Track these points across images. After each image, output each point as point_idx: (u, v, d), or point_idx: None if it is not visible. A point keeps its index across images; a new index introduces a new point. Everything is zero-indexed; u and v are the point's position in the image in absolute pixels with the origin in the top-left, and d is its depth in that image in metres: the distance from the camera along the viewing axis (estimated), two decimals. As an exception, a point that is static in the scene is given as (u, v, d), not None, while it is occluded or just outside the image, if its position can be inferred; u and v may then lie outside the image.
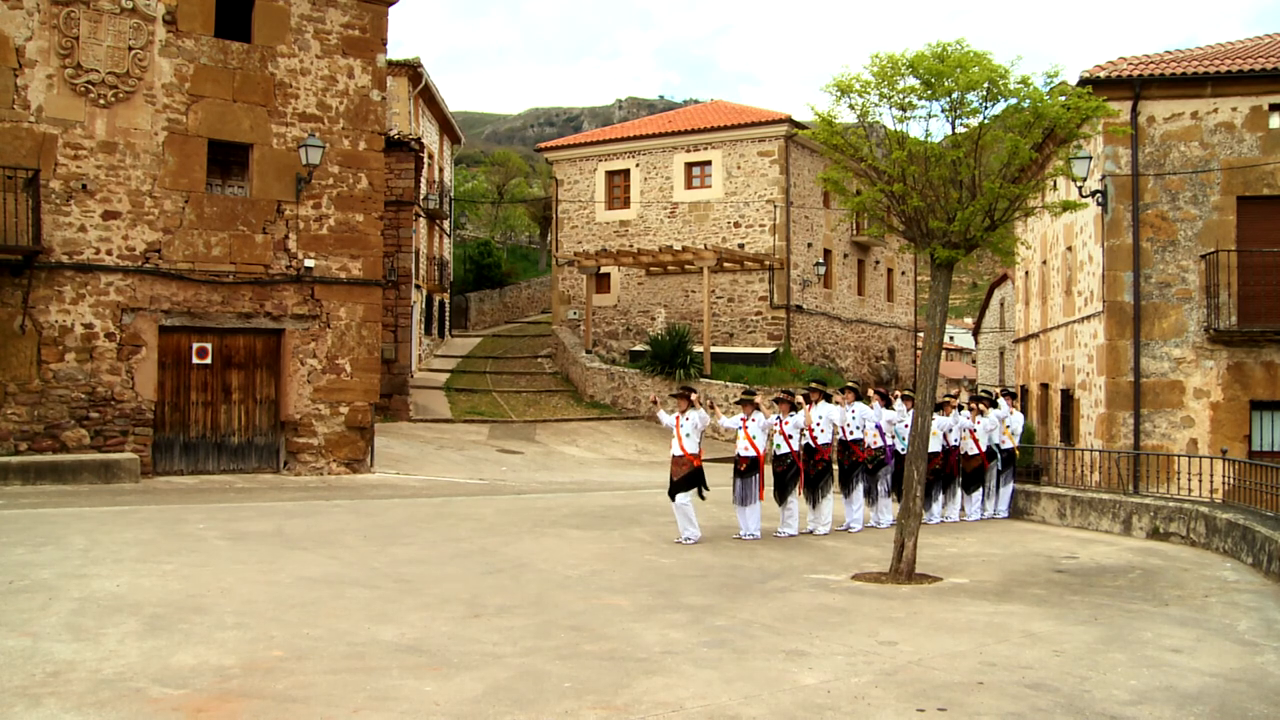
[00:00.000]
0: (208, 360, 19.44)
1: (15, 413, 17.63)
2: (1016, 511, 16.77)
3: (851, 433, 15.02)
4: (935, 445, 15.72)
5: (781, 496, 14.07)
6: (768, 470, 14.03)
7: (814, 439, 14.27)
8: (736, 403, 14.72)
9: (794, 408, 14.19)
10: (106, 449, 18.16)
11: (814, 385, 15.18)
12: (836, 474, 14.99)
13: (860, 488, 15.12)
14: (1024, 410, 27.83)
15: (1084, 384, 21.45)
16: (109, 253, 18.41)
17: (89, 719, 5.80)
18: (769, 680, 6.99)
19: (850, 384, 16.12)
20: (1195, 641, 8.35)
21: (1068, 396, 23.12)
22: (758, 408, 14.04)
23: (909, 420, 15.59)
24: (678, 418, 13.30)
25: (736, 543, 13.38)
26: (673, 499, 13.22)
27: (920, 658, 7.66)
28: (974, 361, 59.13)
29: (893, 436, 15.54)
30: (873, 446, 15.29)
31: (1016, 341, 32.14)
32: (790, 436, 14.07)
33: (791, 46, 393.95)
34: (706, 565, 11.64)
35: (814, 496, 14.38)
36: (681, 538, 13.10)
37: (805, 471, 14.26)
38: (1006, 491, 16.86)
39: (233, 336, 19.70)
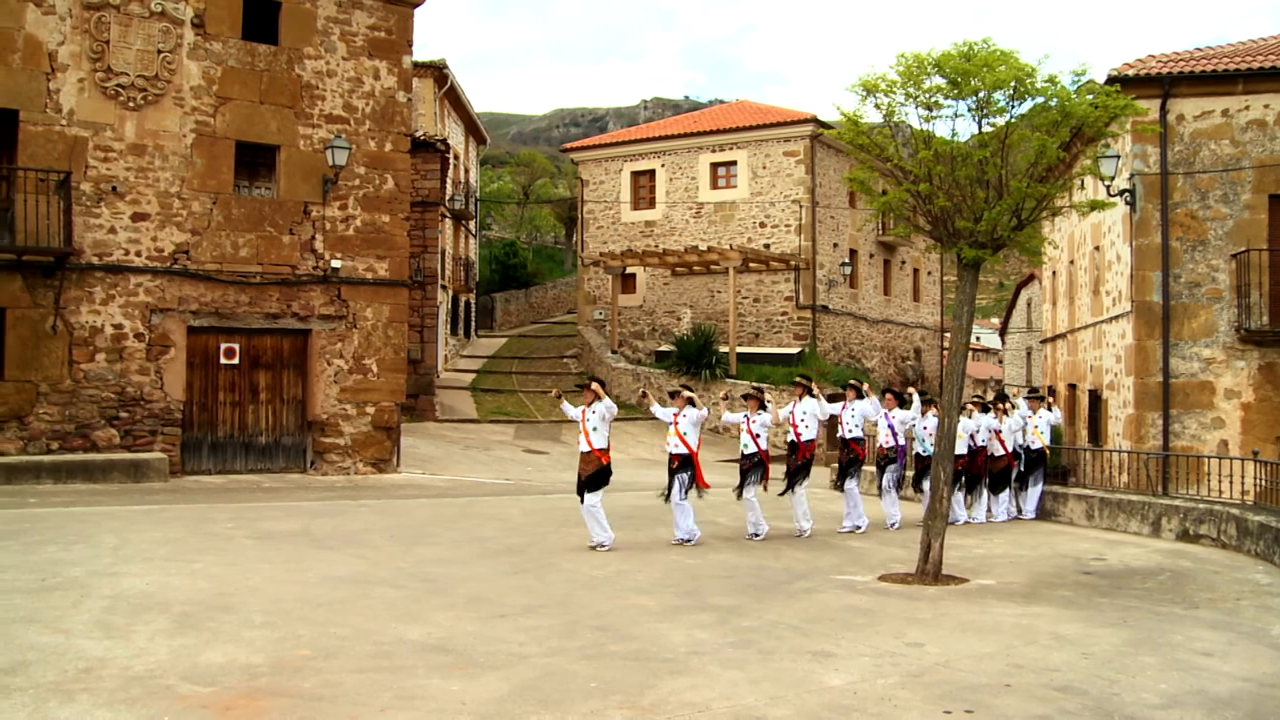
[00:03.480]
0: (235, 360, 19.57)
1: (47, 412, 17.80)
2: (1044, 513, 16.66)
3: (850, 431, 14.84)
4: (960, 447, 15.65)
5: (742, 492, 13.55)
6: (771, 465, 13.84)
7: (798, 435, 14.04)
8: (743, 397, 14.36)
9: (763, 405, 13.70)
10: (136, 448, 18.31)
11: (798, 380, 14.74)
12: (837, 470, 14.90)
13: (891, 485, 15.08)
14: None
15: (1112, 384, 21.29)
16: (138, 254, 18.57)
17: (120, 715, 5.84)
18: (795, 681, 6.97)
19: (851, 381, 15.78)
20: (1227, 645, 8.26)
21: (1095, 397, 22.96)
22: (764, 405, 13.76)
23: (925, 421, 15.55)
24: (584, 410, 12.49)
25: (762, 543, 13.35)
26: (581, 500, 12.42)
27: (947, 659, 7.62)
28: (1001, 362, 58.82)
29: (909, 438, 15.43)
30: (885, 445, 15.22)
31: (1044, 342, 31.95)
32: (758, 435, 13.52)
33: (817, 46, 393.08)
34: (732, 565, 11.62)
35: (793, 492, 13.98)
36: (593, 542, 12.35)
37: (788, 467, 14.04)
38: (1035, 492, 16.74)
39: (260, 337, 19.83)
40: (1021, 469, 16.67)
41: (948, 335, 36.76)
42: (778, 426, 15.13)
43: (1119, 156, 18.47)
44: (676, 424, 13.02)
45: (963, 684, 6.98)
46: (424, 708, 6.17)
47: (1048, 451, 17.07)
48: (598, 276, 38.35)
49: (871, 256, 39.65)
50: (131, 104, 18.54)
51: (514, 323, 51.69)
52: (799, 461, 13.99)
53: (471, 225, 43.40)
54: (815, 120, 34.79)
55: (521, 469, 23.14)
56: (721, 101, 66.49)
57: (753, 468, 13.50)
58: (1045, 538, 14.57)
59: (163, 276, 18.75)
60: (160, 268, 18.73)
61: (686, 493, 12.84)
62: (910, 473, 16.67)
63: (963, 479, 15.58)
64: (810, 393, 14.29)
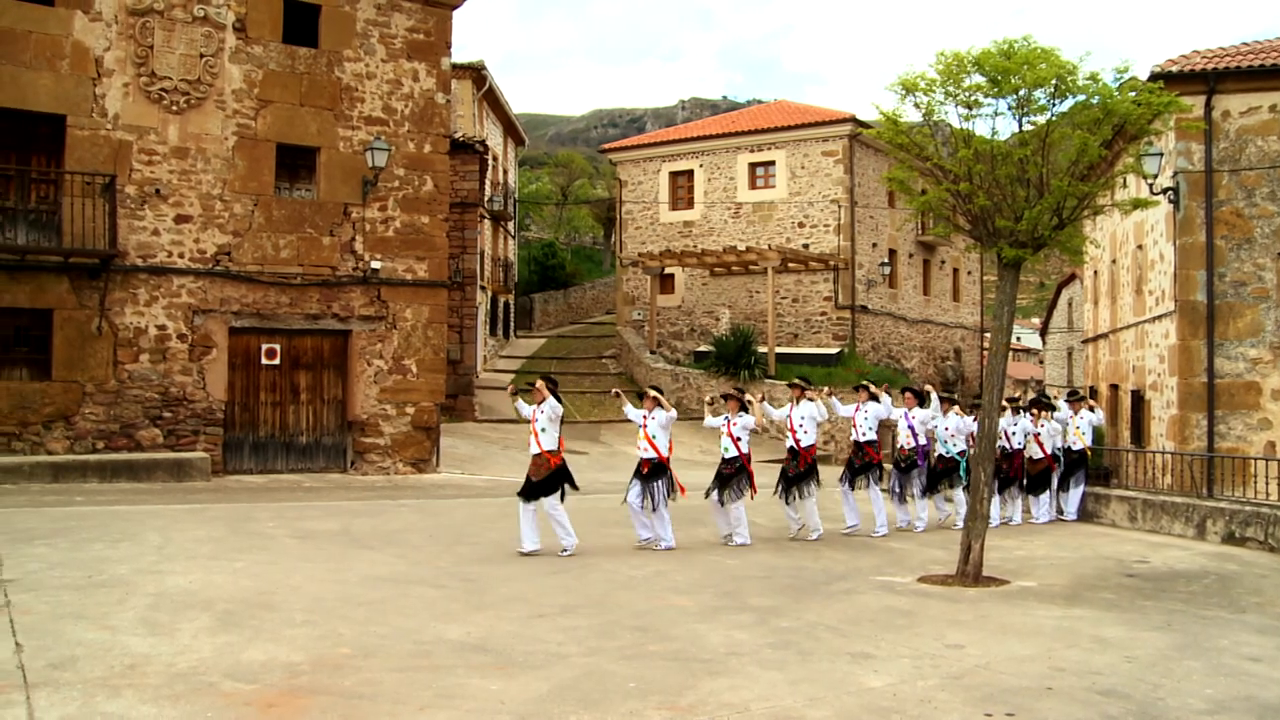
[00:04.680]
0: (276, 361, 19.75)
1: (93, 412, 18.04)
2: (1086, 514, 16.50)
3: (864, 434, 14.36)
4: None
5: (722, 496, 12.91)
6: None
7: (797, 441, 13.52)
8: (722, 397, 13.72)
9: (744, 407, 13.10)
10: (179, 448, 18.52)
11: (795, 383, 14.26)
12: (846, 472, 14.49)
13: (917, 488, 14.91)
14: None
15: (1155, 385, 21.06)
16: (181, 255, 18.78)
17: (164, 711, 5.91)
18: (834, 682, 6.95)
19: (864, 382, 15.23)
20: (1276, 650, 8.15)
21: (1138, 398, 22.71)
22: (745, 407, 13.13)
23: (946, 421, 15.30)
24: (534, 412, 11.83)
25: (801, 544, 13.30)
26: (526, 500, 11.76)
27: (987, 662, 7.57)
28: (1041, 362, 58.28)
29: (930, 438, 15.17)
30: (906, 446, 14.97)
31: (1085, 342, 31.64)
32: (739, 439, 12.93)
33: (855, 46, 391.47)
34: (771, 566, 11.60)
35: (794, 497, 13.51)
36: (564, 550, 11.79)
37: (785, 472, 13.59)
38: (1077, 494, 16.57)
39: (301, 337, 20.00)
40: (1062, 470, 16.51)
41: (988, 335, 36.52)
42: (768, 428, 14.62)
43: (1162, 154, 18.27)
44: (645, 427, 12.53)
45: (1003, 686, 6.93)
46: (463, 707, 6.20)
47: (1089, 453, 16.88)
48: (636, 277, 38.36)
49: (911, 256, 39.41)
50: (174, 107, 18.76)
51: (552, 323, 51.81)
52: (801, 467, 13.45)
53: (510, 226, 43.55)
54: (854, 120, 34.63)
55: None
56: (759, 101, 66.33)
57: (735, 473, 12.87)
58: (1087, 539, 14.43)
59: (205, 278, 18.96)
60: (202, 269, 18.94)
61: (666, 501, 12.38)
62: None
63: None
64: (810, 398, 13.78)
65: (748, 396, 13.32)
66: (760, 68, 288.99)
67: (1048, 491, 16.30)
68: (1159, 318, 20.73)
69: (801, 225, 35.39)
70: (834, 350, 33.92)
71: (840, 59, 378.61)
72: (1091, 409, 17.28)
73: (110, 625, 7.79)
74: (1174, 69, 18.93)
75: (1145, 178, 17.32)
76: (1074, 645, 8.13)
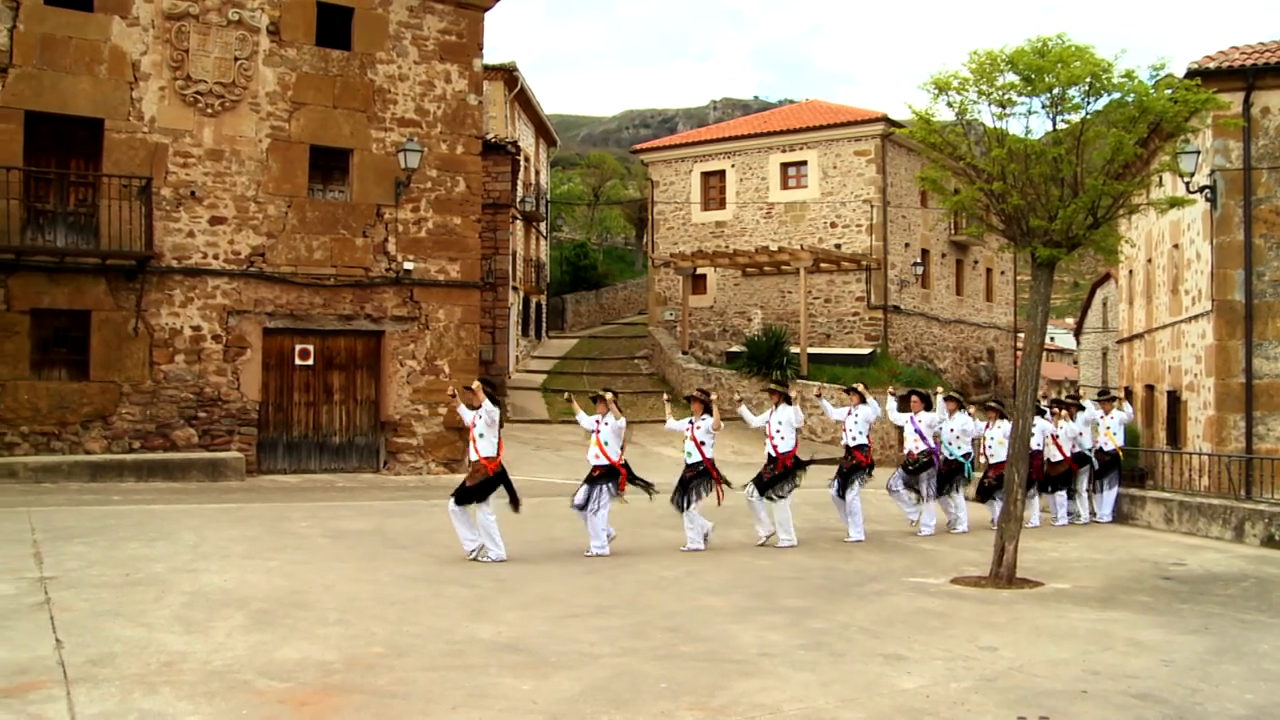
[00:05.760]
0: (310, 361, 19.89)
1: (130, 412, 18.23)
2: (1121, 516, 16.33)
3: (854, 438, 13.93)
4: (1002, 454, 15.25)
5: (682, 503, 12.54)
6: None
7: (774, 447, 13.05)
8: (685, 399, 13.26)
9: (707, 409, 12.63)
10: (214, 448, 18.69)
11: (773, 387, 13.73)
12: (837, 478, 14.06)
13: (930, 492, 14.59)
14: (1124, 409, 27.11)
15: (1191, 385, 20.84)
16: (215, 257, 18.94)
17: (200, 708, 5.96)
18: (866, 684, 6.92)
19: (853, 386, 14.68)
20: (1314, 653, 8.05)
21: (1174, 398, 22.48)
22: (709, 409, 12.64)
23: (953, 423, 15.10)
24: (474, 417, 11.46)
25: (834, 544, 13.26)
26: (456, 504, 11.41)
27: (1021, 664, 7.52)
28: (1075, 362, 57.80)
29: (935, 439, 14.82)
30: (914, 450, 14.68)
31: (1120, 342, 31.35)
32: (703, 443, 12.53)
33: (887, 45, 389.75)
34: (803, 567, 11.57)
35: (769, 500, 13.05)
36: (488, 557, 11.31)
37: (760, 476, 13.15)
38: (1110, 495, 16.39)
39: (334, 338, 20.13)
40: (1096, 471, 16.33)
41: (1021, 336, 36.27)
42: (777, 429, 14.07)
43: (1199, 152, 18.06)
44: (598, 433, 12.12)
45: (1037, 689, 6.88)
46: (495, 706, 6.21)
47: (1121, 453, 16.67)
48: (668, 277, 38.33)
49: (944, 256, 39.18)
50: (209, 110, 18.93)
51: (585, 324, 51.85)
52: (777, 471, 13.00)
53: (542, 227, 43.64)
54: (886, 119, 34.46)
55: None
56: (791, 101, 66.11)
57: (696, 477, 12.52)
58: (1122, 541, 14.30)
59: (239, 279, 19.11)
60: (237, 270, 19.10)
61: (600, 502, 11.94)
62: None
63: (994, 481, 15.22)
64: (788, 401, 13.20)
65: (712, 397, 12.81)
66: (792, 67, 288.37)
67: (1063, 492, 16.07)
68: (1195, 317, 20.51)
69: (834, 225, 35.26)
70: (866, 351, 33.78)
71: (872, 58, 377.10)
72: (1121, 407, 17.04)
73: (147, 623, 7.87)
74: (1212, 65, 18.73)
75: (1182, 176, 17.13)
76: (1109, 648, 8.06)
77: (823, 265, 33.90)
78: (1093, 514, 16.41)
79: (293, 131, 19.60)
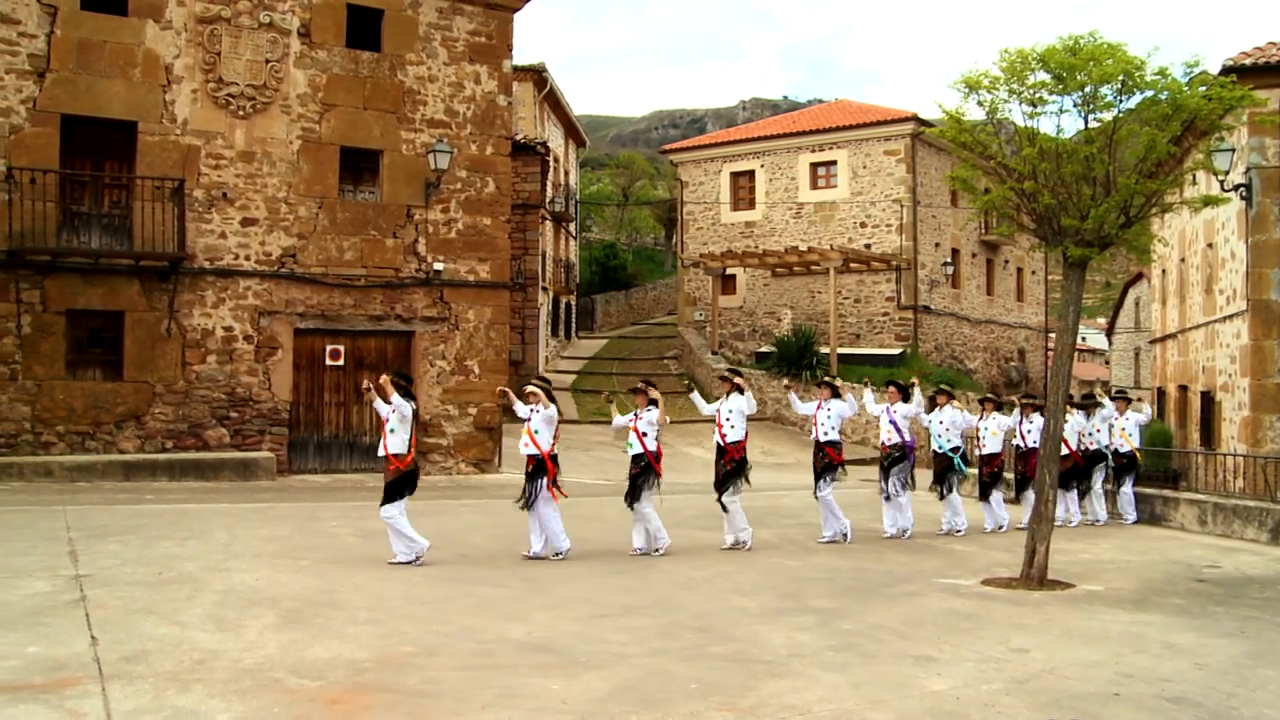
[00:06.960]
0: (340, 361, 20.00)
1: (163, 412, 18.39)
2: (1153, 517, 16.17)
3: (826, 434, 13.48)
4: (995, 446, 15.17)
5: (633, 499, 12.14)
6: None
7: (723, 436, 12.58)
8: (630, 390, 12.60)
9: (652, 402, 12.21)
10: (245, 447, 18.82)
11: (725, 376, 13.11)
12: (817, 474, 13.60)
13: (899, 488, 14.16)
14: (1160, 413, 26.87)
15: (1226, 386, 20.62)
16: (247, 258, 19.08)
17: (232, 706, 6.01)
18: (896, 685, 6.89)
19: (826, 379, 14.33)
20: (1352, 657, 7.95)
21: (1208, 399, 22.26)
22: (654, 402, 12.21)
23: (940, 415, 14.94)
24: (389, 418, 11.11)
25: (863, 545, 13.20)
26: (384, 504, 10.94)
27: (1053, 666, 7.46)
28: (1107, 363, 57.33)
29: (915, 432, 14.57)
30: (887, 443, 14.32)
31: (1153, 342, 31.07)
32: (644, 435, 12.08)
33: (916, 44, 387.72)
34: (833, 568, 11.53)
35: (722, 496, 12.64)
36: (395, 558, 10.83)
37: (717, 473, 12.80)
38: (1126, 495, 16.24)
39: (364, 338, 20.23)
40: (1113, 472, 16.23)
41: (1052, 336, 35.99)
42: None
43: (1234, 150, 17.86)
44: (529, 422, 11.78)
45: (1069, 692, 6.83)
46: (525, 706, 6.23)
47: (1138, 454, 16.49)
48: (697, 277, 38.31)
49: (974, 256, 38.97)
50: (241, 113, 19.07)
51: (614, 324, 51.90)
52: (728, 465, 12.61)
53: (571, 227, 43.70)
54: (916, 119, 34.31)
55: (621, 470, 23.12)
56: (820, 101, 65.92)
57: (642, 472, 12.07)
58: (1154, 543, 14.17)
59: (270, 280, 19.24)
60: (268, 271, 19.23)
61: (535, 500, 11.60)
62: (929, 470, 15.52)
63: (989, 479, 15.15)
64: (740, 391, 12.65)
65: (654, 393, 12.37)
66: (821, 67, 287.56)
67: (1073, 491, 15.88)
68: (1230, 317, 20.29)
69: (863, 225, 35.14)
70: (896, 351, 33.64)
71: (901, 58, 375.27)
72: (1139, 409, 16.86)
73: (180, 621, 7.94)
74: (1248, 62, 18.51)
75: (1216, 174, 16.95)
76: (1142, 651, 7.99)
77: (852, 265, 33.79)
78: (1110, 515, 16.29)
79: (323, 133, 19.72)
